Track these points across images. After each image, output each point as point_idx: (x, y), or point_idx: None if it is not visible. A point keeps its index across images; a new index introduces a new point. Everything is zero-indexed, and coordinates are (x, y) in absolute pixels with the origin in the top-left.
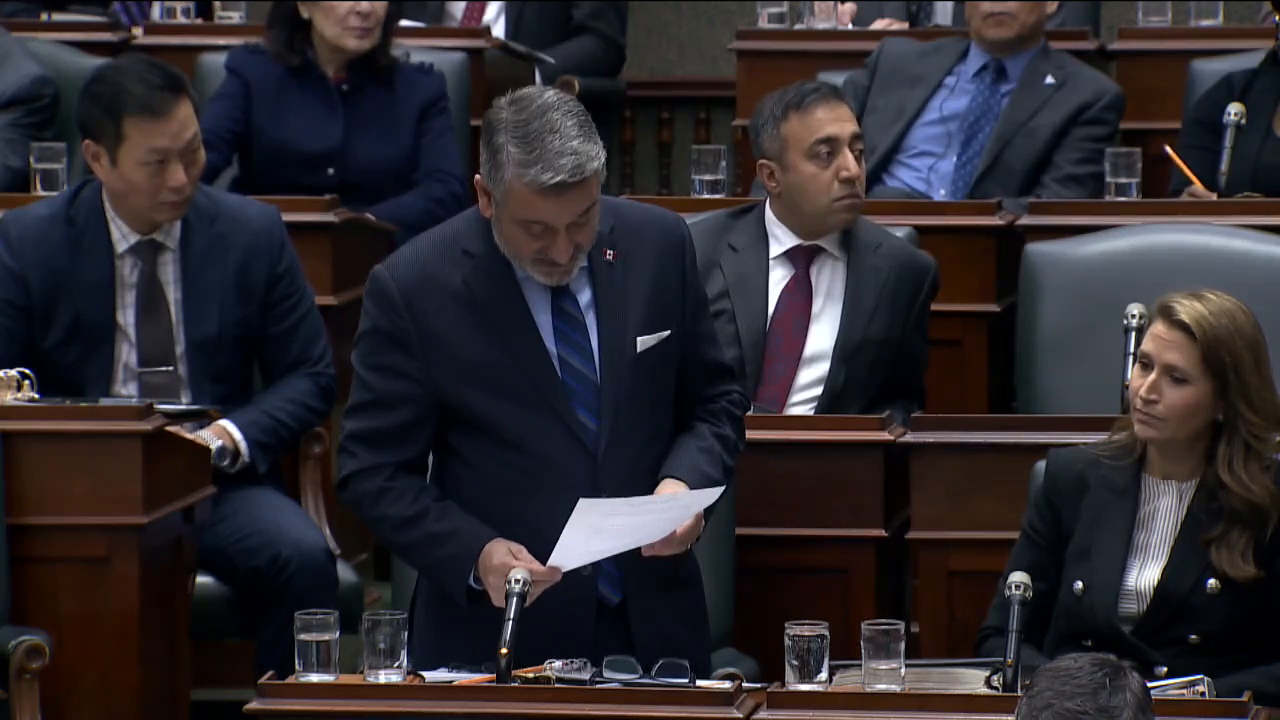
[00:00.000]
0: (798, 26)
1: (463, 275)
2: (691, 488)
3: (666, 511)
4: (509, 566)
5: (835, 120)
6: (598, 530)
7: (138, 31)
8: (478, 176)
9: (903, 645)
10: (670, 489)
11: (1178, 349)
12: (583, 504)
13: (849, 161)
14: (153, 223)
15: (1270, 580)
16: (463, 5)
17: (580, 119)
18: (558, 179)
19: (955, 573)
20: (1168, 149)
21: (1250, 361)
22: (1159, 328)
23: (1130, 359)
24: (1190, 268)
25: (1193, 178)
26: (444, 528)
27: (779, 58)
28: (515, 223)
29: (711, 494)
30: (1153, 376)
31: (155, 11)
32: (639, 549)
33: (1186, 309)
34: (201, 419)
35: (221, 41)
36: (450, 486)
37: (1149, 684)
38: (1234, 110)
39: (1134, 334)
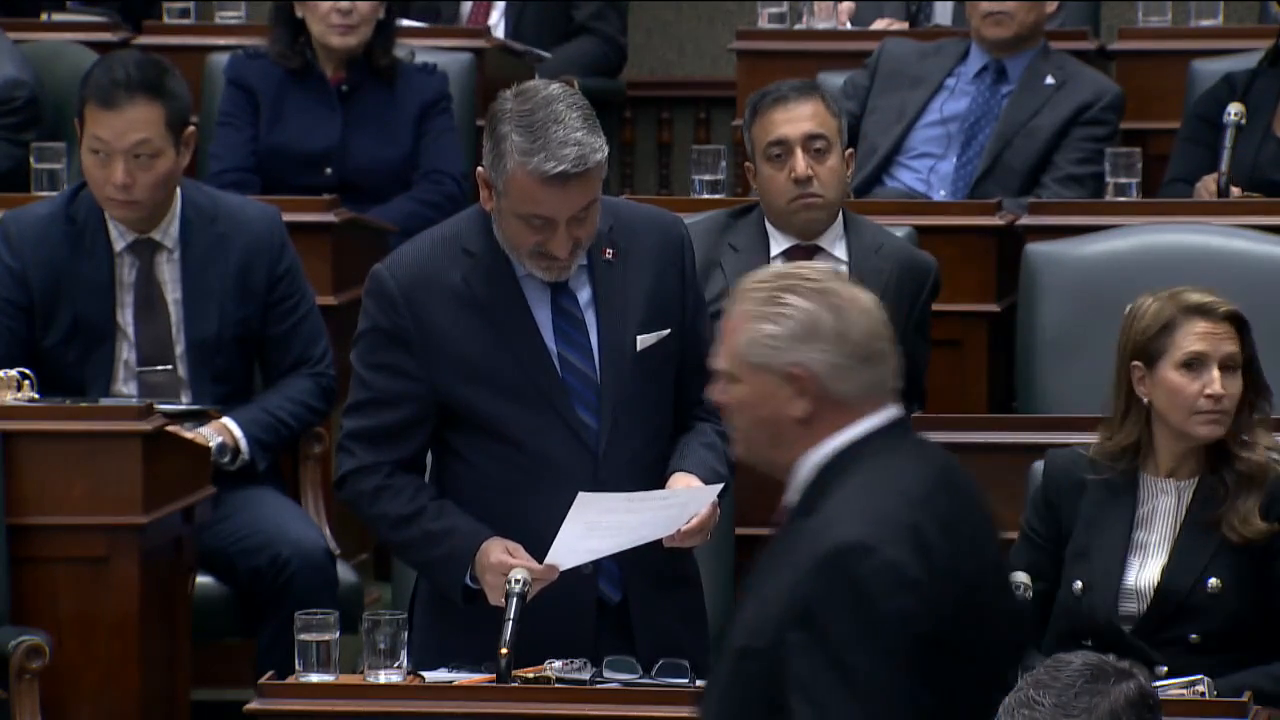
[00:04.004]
0: (798, 26)
1: (463, 274)
2: (701, 480)
3: (665, 509)
4: (505, 565)
5: (788, 121)
6: (595, 527)
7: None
8: (479, 168)
9: None
10: (681, 482)
11: (1232, 339)
12: (581, 498)
13: (797, 162)
14: (125, 220)
15: (1270, 580)
16: (469, 5)
17: (584, 111)
18: (560, 168)
19: None
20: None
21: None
22: (1202, 326)
23: None
24: (1190, 268)
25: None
26: (441, 526)
27: (779, 58)
28: (516, 215)
29: (711, 490)
30: (1215, 374)
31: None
32: (641, 546)
33: (1223, 301)
34: (202, 419)
35: (221, 41)
36: (450, 485)
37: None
38: (1234, 110)
39: None
